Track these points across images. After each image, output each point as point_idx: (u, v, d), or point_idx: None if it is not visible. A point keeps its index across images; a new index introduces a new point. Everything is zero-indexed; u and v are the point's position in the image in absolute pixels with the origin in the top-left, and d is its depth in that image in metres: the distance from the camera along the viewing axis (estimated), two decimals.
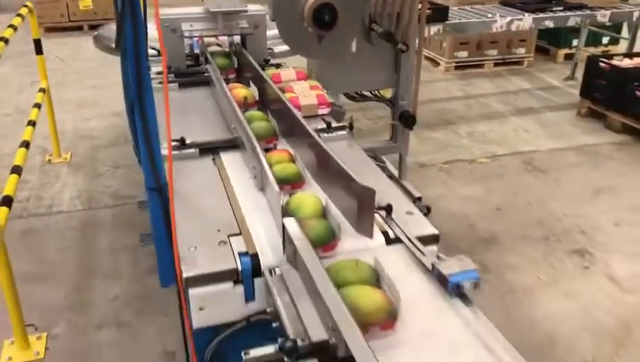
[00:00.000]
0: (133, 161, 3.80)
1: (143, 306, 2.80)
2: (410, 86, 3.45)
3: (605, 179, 4.14)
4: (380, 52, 3.28)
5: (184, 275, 1.36)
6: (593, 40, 6.92)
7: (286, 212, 1.50)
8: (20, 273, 2.58)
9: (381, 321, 1.14)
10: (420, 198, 3.62)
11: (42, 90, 3.94)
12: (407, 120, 3.43)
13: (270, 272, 1.36)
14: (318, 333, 1.12)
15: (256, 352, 1.13)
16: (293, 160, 1.81)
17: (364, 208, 1.44)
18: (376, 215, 1.56)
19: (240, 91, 2.28)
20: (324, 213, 1.52)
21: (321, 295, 1.13)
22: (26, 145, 3.03)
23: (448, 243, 3.33)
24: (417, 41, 3.41)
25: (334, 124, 2.13)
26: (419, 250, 1.41)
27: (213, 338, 1.44)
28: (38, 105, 3.64)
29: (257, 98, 2.37)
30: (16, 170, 2.72)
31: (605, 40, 7.03)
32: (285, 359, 1.09)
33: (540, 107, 5.54)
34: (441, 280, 1.28)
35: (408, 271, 1.38)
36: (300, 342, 1.09)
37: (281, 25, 2.75)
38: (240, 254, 1.42)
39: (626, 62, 5.09)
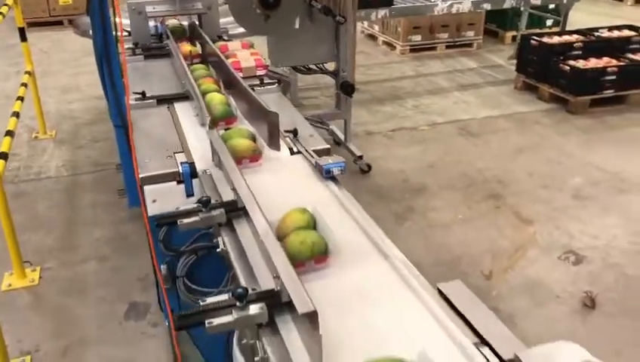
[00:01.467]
0: (110, 136, 4.33)
1: (120, 245, 3.34)
2: (349, 59, 3.98)
3: (528, 140, 4.72)
4: (320, 28, 3.82)
5: (140, 175, 1.89)
6: (538, 23, 7.51)
7: (219, 140, 2.03)
8: (16, 225, 3.07)
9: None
10: (360, 157, 4.17)
11: (28, 73, 4.44)
12: (347, 89, 3.98)
13: (204, 172, 1.90)
14: (266, 282, 1.31)
15: (212, 299, 1.25)
16: (228, 103, 2.34)
17: (271, 128, 1.98)
18: (287, 138, 2.11)
19: (186, 47, 2.85)
20: (253, 137, 2.06)
21: (238, 192, 1.66)
22: (16, 115, 3.53)
23: (383, 193, 3.90)
24: (352, 16, 3.94)
25: (266, 81, 2.68)
26: (312, 156, 1.95)
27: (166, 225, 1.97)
28: (24, 85, 4.13)
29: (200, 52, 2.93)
30: (10, 133, 3.23)
31: (549, 22, 7.62)
32: (237, 304, 1.20)
33: (482, 83, 6.13)
34: (319, 169, 1.83)
35: (303, 168, 1.93)
36: (250, 291, 1.22)
37: (232, 7, 3.29)
38: (181, 163, 1.96)
39: (554, 40, 5.68)
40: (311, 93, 5.59)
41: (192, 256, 2.03)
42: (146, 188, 1.90)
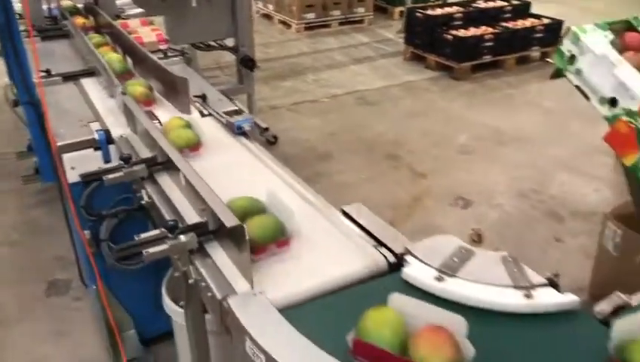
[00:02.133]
0: (4, 127, 4.22)
1: (31, 229, 3.32)
2: (248, 34, 4.13)
3: (419, 105, 5.11)
4: (217, 5, 3.93)
5: (58, 144, 1.97)
6: None
7: (133, 102, 2.14)
8: None
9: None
10: (267, 129, 4.35)
11: None
12: (247, 63, 4.13)
13: (120, 137, 2.01)
14: (192, 219, 1.45)
15: (146, 234, 1.35)
16: (149, 88, 2.43)
17: (180, 92, 2.11)
18: (196, 103, 2.25)
19: (79, 19, 2.91)
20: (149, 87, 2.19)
21: (151, 135, 1.80)
22: None
23: (292, 161, 4.10)
24: None
25: (170, 53, 2.79)
26: (221, 116, 2.11)
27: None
28: None
29: (94, 23, 3.02)
30: None
31: None
32: (169, 235, 1.32)
33: (375, 56, 6.48)
34: (231, 127, 2.00)
35: (216, 128, 2.08)
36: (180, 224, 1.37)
37: None
38: (97, 130, 2.05)
39: (437, 12, 6.12)
40: (212, 72, 5.66)
41: (114, 220, 2.14)
42: (65, 156, 1.98)
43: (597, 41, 1.70)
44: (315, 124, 4.74)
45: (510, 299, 1.17)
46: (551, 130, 4.53)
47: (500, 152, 4.21)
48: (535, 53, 6.04)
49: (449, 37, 5.67)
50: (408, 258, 1.29)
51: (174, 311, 1.92)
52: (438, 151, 4.28)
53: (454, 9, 6.21)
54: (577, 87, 1.74)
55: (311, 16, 7.33)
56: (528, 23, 6.08)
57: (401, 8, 7.92)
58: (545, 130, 4.53)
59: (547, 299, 1.17)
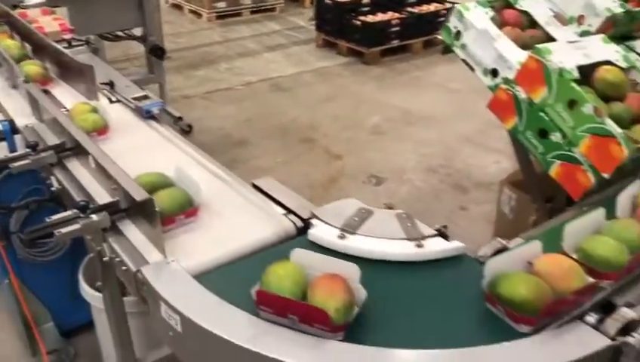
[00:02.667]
0: None
1: None
2: (156, 22, 4.09)
3: (332, 90, 5.25)
4: None
5: None
6: None
7: (38, 90, 2.10)
8: None
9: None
10: (180, 118, 4.34)
11: None
12: (157, 52, 4.09)
13: (25, 126, 1.98)
14: (103, 199, 1.45)
15: (57, 216, 1.35)
16: (44, 67, 2.39)
17: (86, 79, 2.10)
18: (104, 91, 2.24)
19: None
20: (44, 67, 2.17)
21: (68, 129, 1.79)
22: None
23: (207, 149, 4.06)
24: None
25: (74, 43, 2.74)
26: (130, 102, 2.12)
27: None
28: None
29: None
30: None
31: None
32: (81, 215, 1.33)
33: (287, 43, 6.56)
34: (140, 111, 2.02)
35: (125, 113, 2.09)
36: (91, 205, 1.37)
37: None
38: (0, 121, 2.01)
39: None
40: (120, 65, 5.53)
41: (25, 211, 2.11)
42: None
43: (479, 18, 1.86)
44: (230, 112, 4.76)
45: (403, 250, 1.29)
46: (456, 108, 4.79)
47: (410, 131, 4.42)
48: (440, 36, 6.32)
49: (357, 23, 5.84)
50: (314, 221, 1.39)
51: (92, 296, 1.94)
52: (351, 133, 4.43)
53: None
54: (464, 60, 1.90)
55: (222, 5, 7.30)
56: (433, 7, 6.37)
57: None
58: (450, 108, 4.79)
59: (436, 247, 1.30)
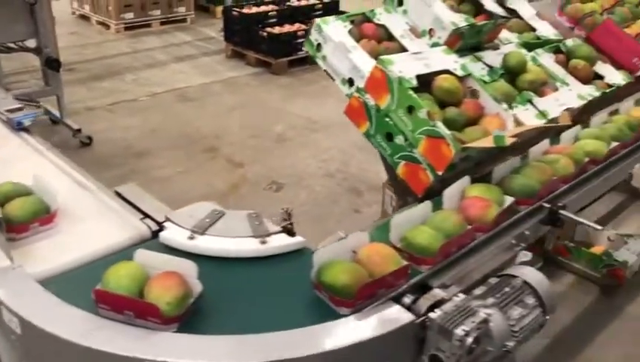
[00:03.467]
0: None
1: None
2: (50, 34, 4.03)
3: (239, 100, 5.32)
4: (10, 5, 3.78)
5: None
6: None
7: None
8: None
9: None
10: (79, 130, 4.28)
11: None
12: (52, 64, 4.03)
13: None
14: None
15: None
16: None
17: None
18: None
19: None
20: None
21: None
22: None
23: (107, 161, 4.10)
24: None
25: None
26: (2, 114, 2.12)
27: None
28: None
29: None
30: None
31: None
32: None
33: (197, 54, 6.58)
34: (10, 123, 2.02)
35: None
36: None
37: None
38: None
39: (253, 10, 6.37)
40: (20, 77, 5.39)
41: None
42: None
43: (336, 31, 2.00)
44: (134, 123, 4.74)
45: (248, 246, 1.39)
46: None
47: (312, 139, 4.56)
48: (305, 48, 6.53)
49: (264, 34, 5.95)
50: (166, 224, 1.47)
51: None
52: (255, 141, 4.51)
53: (269, 7, 6.51)
54: (325, 70, 2.04)
55: (130, 16, 7.22)
56: None
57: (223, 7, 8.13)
58: None
59: (279, 242, 1.41)
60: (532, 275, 1.34)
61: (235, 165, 4.13)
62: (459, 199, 1.56)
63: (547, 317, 1.31)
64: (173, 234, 1.42)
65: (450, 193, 1.53)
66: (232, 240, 1.40)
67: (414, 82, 1.73)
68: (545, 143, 1.85)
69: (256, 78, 5.89)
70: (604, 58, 2.43)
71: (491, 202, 1.50)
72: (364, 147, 4.45)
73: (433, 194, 1.68)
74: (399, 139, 1.74)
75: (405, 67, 1.75)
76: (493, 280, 1.34)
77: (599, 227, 1.64)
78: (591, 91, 2.18)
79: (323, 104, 5.19)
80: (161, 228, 1.48)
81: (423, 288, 1.30)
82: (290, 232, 1.45)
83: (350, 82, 1.94)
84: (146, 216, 1.53)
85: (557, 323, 2.69)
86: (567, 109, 2.07)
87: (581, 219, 1.58)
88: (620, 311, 2.80)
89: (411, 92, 1.69)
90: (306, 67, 6.14)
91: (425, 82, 1.81)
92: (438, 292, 1.27)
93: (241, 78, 5.87)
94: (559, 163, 1.73)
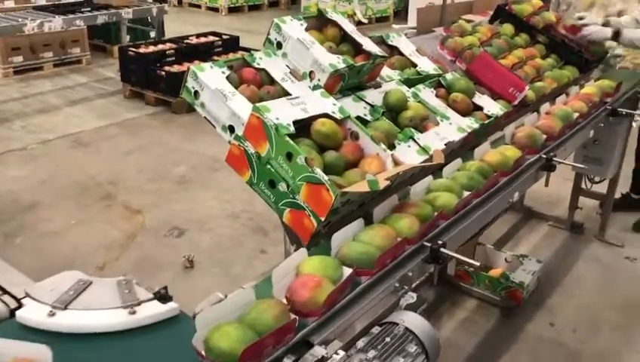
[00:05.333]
0: None
1: None
2: None
3: (138, 142, 5.14)
4: None
5: None
6: (142, 36, 8.02)
7: None
8: None
9: None
10: None
11: None
12: None
13: None
14: None
15: None
16: None
17: None
18: None
19: None
20: None
21: None
22: None
23: None
24: None
25: None
26: None
27: None
28: None
29: None
30: None
31: (153, 34, 8.22)
32: None
33: (93, 96, 6.33)
34: None
35: None
36: None
37: None
38: None
39: (150, 49, 6.23)
40: None
41: None
42: None
43: (213, 78, 1.95)
44: (22, 174, 4.45)
45: (115, 319, 1.28)
46: None
47: (214, 178, 4.46)
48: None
49: (162, 73, 5.82)
50: (25, 301, 1.33)
51: None
52: (154, 185, 4.35)
53: (167, 46, 6.39)
54: (205, 117, 1.97)
55: (19, 59, 6.85)
56: (239, 55, 6.54)
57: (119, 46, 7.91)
58: None
59: (149, 311, 1.31)
60: (413, 321, 1.32)
61: (132, 212, 3.95)
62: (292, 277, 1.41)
63: None
64: (31, 312, 1.29)
65: (278, 274, 1.38)
66: (97, 313, 1.29)
67: (292, 128, 1.71)
68: (394, 200, 1.77)
69: (155, 118, 5.73)
70: (483, 89, 2.53)
71: (323, 280, 1.34)
72: None
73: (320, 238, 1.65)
74: (282, 186, 1.70)
75: (282, 113, 1.73)
76: (375, 330, 1.31)
77: (477, 263, 1.66)
78: (470, 123, 2.25)
79: (224, 141, 5.10)
80: (20, 305, 1.34)
81: (306, 344, 1.25)
82: (163, 298, 1.36)
83: (231, 129, 1.89)
84: (4, 291, 1.38)
85: (462, 351, 2.73)
86: (448, 143, 2.12)
87: (462, 258, 1.60)
88: (520, 332, 2.88)
89: (288, 139, 1.66)
90: None
91: (305, 126, 1.79)
92: (319, 351, 1.22)
93: (140, 119, 5.68)
94: (402, 221, 1.62)
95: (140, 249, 3.53)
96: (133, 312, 1.30)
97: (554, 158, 2.23)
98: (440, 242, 1.59)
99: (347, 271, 1.43)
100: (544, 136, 2.32)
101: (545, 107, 2.62)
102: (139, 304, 1.32)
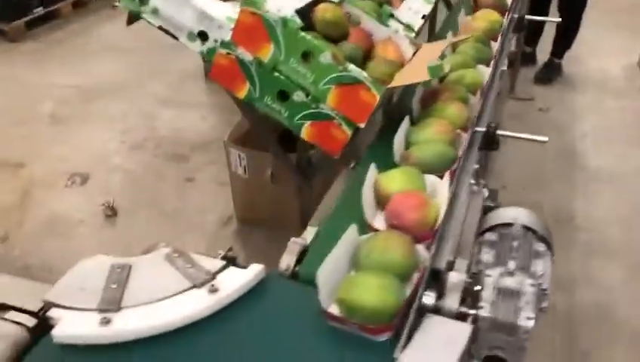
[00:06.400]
0: None
1: None
2: None
3: None
4: None
5: None
6: None
7: None
8: None
9: None
10: None
11: None
12: None
13: None
14: None
15: None
16: None
17: None
18: None
19: None
20: None
21: None
22: None
23: None
24: None
25: None
26: None
27: None
28: None
29: None
30: None
31: None
32: None
33: None
34: None
35: None
36: None
37: None
38: None
39: None
40: None
41: None
42: None
43: None
44: None
45: (198, 304, 0.97)
46: (139, 70, 4.32)
47: (93, 110, 3.83)
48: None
49: None
50: (54, 313, 0.96)
51: None
52: (24, 130, 3.64)
53: None
54: (160, 27, 1.55)
55: None
56: None
57: None
58: (133, 72, 4.29)
59: (233, 282, 1.01)
60: (525, 217, 1.17)
61: (13, 167, 3.28)
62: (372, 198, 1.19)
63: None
64: (74, 326, 0.93)
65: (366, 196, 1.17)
66: (169, 303, 0.96)
67: (299, 20, 1.38)
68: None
69: None
70: None
71: (423, 195, 1.15)
72: (167, 100, 3.93)
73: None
74: (298, 96, 1.39)
75: (281, 2, 1.38)
76: (491, 237, 1.14)
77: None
78: None
79: (90, 65, 4.40)
80: (42, 321, 0.96)
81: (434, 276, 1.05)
82: (234, 262, 1.06)
83: (202, 36, 1.50)
84: (11, 307, 0.99)
85: None
86: (424, 16, 1.93)
87: (517, 135, 1.46)
88: None
89: (303, 34, 1.34)
90: (47, 26, 5.14)
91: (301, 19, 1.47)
92: (456, 276, 1.02)
93: None
94: (449, 109, 1.41)
95: (42, 207, 2.97)
96: (215, 289, 0.99)
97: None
98: (493, 124, 1.43)
99: (430, 178, 1.22)
100: None
101: None
102: (213, 277, 1.02)
